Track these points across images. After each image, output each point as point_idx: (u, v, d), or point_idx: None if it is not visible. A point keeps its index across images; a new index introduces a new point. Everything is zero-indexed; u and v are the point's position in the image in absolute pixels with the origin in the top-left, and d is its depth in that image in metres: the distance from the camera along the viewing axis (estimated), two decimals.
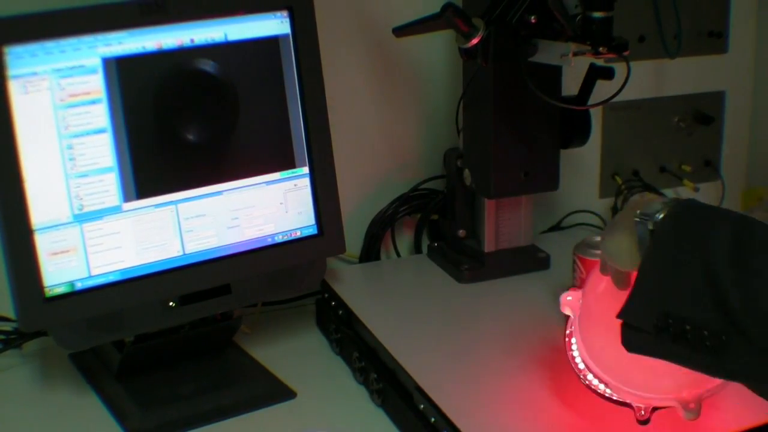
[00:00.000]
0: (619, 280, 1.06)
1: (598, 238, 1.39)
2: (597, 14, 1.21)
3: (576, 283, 1.31)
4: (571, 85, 1.41)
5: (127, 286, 1.23)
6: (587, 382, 1.13)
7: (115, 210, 1.22)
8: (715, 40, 1.73)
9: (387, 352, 1.27)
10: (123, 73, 1.20)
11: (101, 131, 1.20)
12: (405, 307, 1.42)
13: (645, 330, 0.95)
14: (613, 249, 1.05)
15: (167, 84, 1.23)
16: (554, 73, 1.37)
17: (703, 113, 1.74)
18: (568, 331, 1.16)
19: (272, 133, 1.32)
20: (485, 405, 1.17)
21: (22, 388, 1.36)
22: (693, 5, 1.68)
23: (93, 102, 1.19)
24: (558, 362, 1.25)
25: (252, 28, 1.28)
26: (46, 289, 1.19)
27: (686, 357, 0.94)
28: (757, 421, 1.11)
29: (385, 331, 1.32)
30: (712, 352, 0.91)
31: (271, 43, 1.30)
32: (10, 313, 1.27)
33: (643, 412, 1.09)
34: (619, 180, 1.73)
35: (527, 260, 1.50)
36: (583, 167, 1.70)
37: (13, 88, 1.14)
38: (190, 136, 1.26)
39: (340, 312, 1.42)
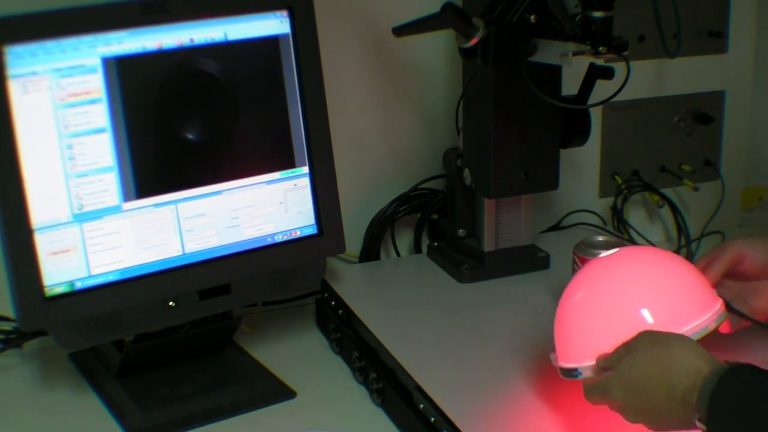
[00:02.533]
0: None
1: (599, 238, 1.39)
2: (597, 14, 1.21)
3: None
4: (571, 85, 1.41)
5: (127, 285, 1.23)
6: None
7: (115, 209, 1.22)
8: (715, 39, 1.73)
9: (387, 351, 1.27)
10: (123, 72, 1.20)
11: (101, 131, 1.20)
12: (405, 306, 1.42)
13: None
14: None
15: (167, 84, 1.23)
16: (554, 72, 1.37)
17: (703, 113, 1.74)
18: None
19: (272, 133, 1.32)
20: (485, 404, 1.17)
21: (22, 388, 1.36)
22: (693, 5, 1.68)
23: (93, 101, 1.19)
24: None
25: (252, 28, 1.28)
26: (46, 289, 1.19)
27: None
28: None
29: (384, 331, 1.32)
30: None
31: (271, 42, 1.30)
32: (10, 313, 1.27)
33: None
34: (619, 179, 1.73)
35: (527, 260, 1.50)
36: (583, 167, 1.70)
37: (13, 88, 1.14)
38: (190, 136, 1.26)
39: (340, 312, 1.42)
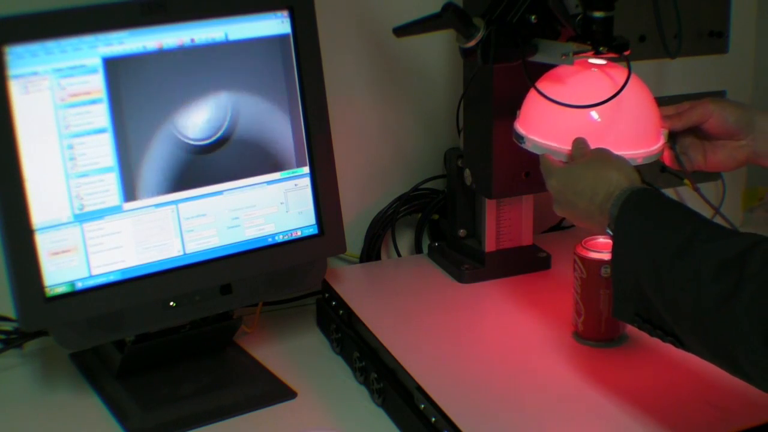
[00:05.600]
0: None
1: (600, 238, 1.39)
2: (597, 14, 1.21)
3: (577, 283, 1.31)
4: None
5: (127, 285, 1.24)
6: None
7: (116, 210, 1.22)
8: (715, 40, 1.72)
9: (387, 351, 1.27)
10: (124, 72, 1.20)
11: (102, 131, 1.20)
12: (405, 306, 1.41)
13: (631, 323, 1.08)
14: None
15: (168, 84, 1.23)
16: None
17: None
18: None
19: (273, 133, 1.32)
20: (486, 404, 1.17)
21: (22, 388, 1.36)
22: (693, 5, 1.67)
23: (93, 102, 1.19)
24: (558, 362, 1.25)
25: (252, 28, 1.28)
26: (47, 289, 1.19)
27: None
28: (757, 421, 1.11)
29: (385, 331, 1.32)
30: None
31: (271, 42, 1.30)
32: (10, 313, 1.27)
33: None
34: None
35: (528, 260, 1.50)
36: None
37: (14, 88, 1.14)
38: (191, 136, 1.26)
39: (341, 312, 1.42)
